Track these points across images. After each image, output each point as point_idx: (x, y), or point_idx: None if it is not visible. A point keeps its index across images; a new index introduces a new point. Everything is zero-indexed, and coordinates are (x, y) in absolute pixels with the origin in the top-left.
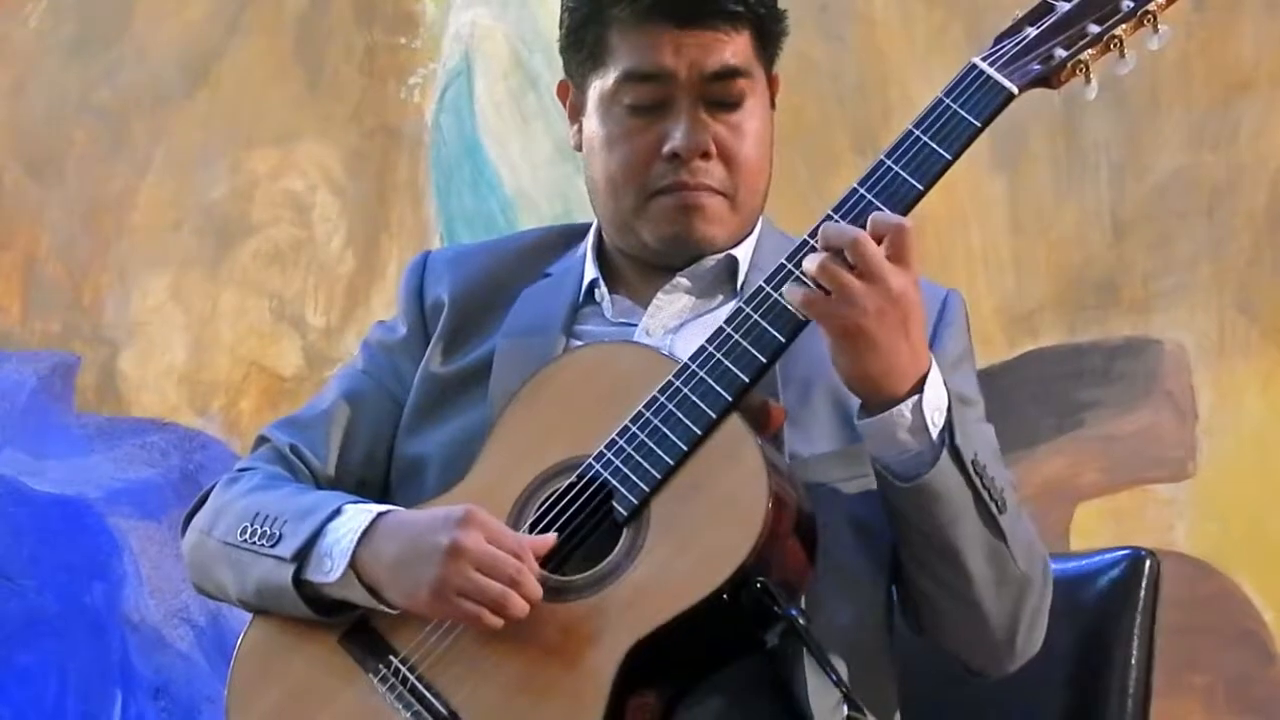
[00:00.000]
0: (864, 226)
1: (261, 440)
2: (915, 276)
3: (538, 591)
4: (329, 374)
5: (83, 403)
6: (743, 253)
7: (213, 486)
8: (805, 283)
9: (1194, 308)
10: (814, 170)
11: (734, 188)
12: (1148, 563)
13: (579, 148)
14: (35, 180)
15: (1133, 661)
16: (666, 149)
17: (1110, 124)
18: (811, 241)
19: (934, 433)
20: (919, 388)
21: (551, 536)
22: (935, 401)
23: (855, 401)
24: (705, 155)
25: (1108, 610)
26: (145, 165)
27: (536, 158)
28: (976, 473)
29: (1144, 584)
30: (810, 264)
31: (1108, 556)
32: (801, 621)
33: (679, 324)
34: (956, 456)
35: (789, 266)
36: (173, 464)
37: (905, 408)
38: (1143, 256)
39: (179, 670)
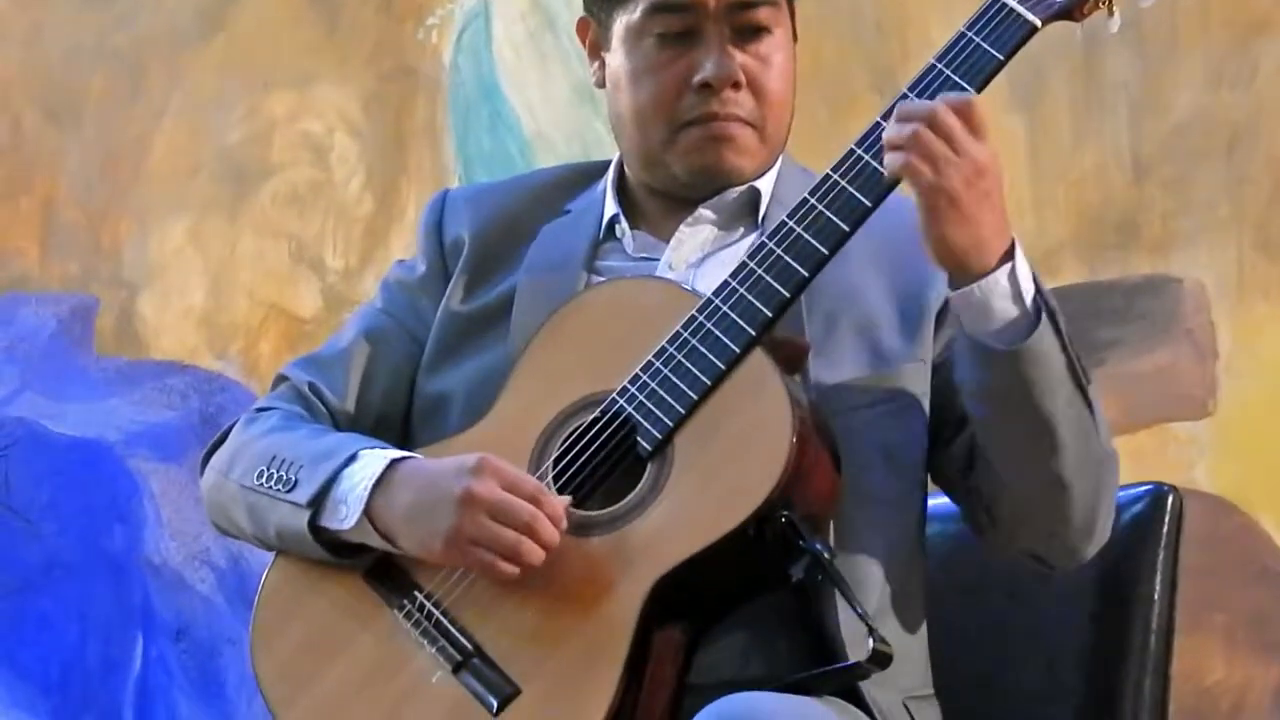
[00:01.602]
0: None
1: (281, 379)
2: (995, 152)
3: (554, 536)
4: (348, 316)
5: (102, 346)
6: (765, 185)
7: (232, 425)
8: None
9: (1213, 247)
10: (832, 110)
11: (762, 119)
12: (1170, 498)
13: (601, 84)
14: (53, 125)
15: (1155, 596)
16: (697, 79)
17: (1129, 64)
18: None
19: (1028, 300)
20: (1009, 256)
21: (567, 498)
22: (1025, 270)
23: (881, 331)
24: (735, 85)
25: (1131, 545)
26: (163, 109)
27: (554, 99)
28: (1070, 341)
29: (1167, 519)
30: (901, 131)
31: (1131, 492)
32: (826, 555)
33: (701, 257)
34: (1054, 320)
35: (811, 200)
36: (192, 406)
37: (1001, 275)
38: (1162, 196)
39: (200, 613)
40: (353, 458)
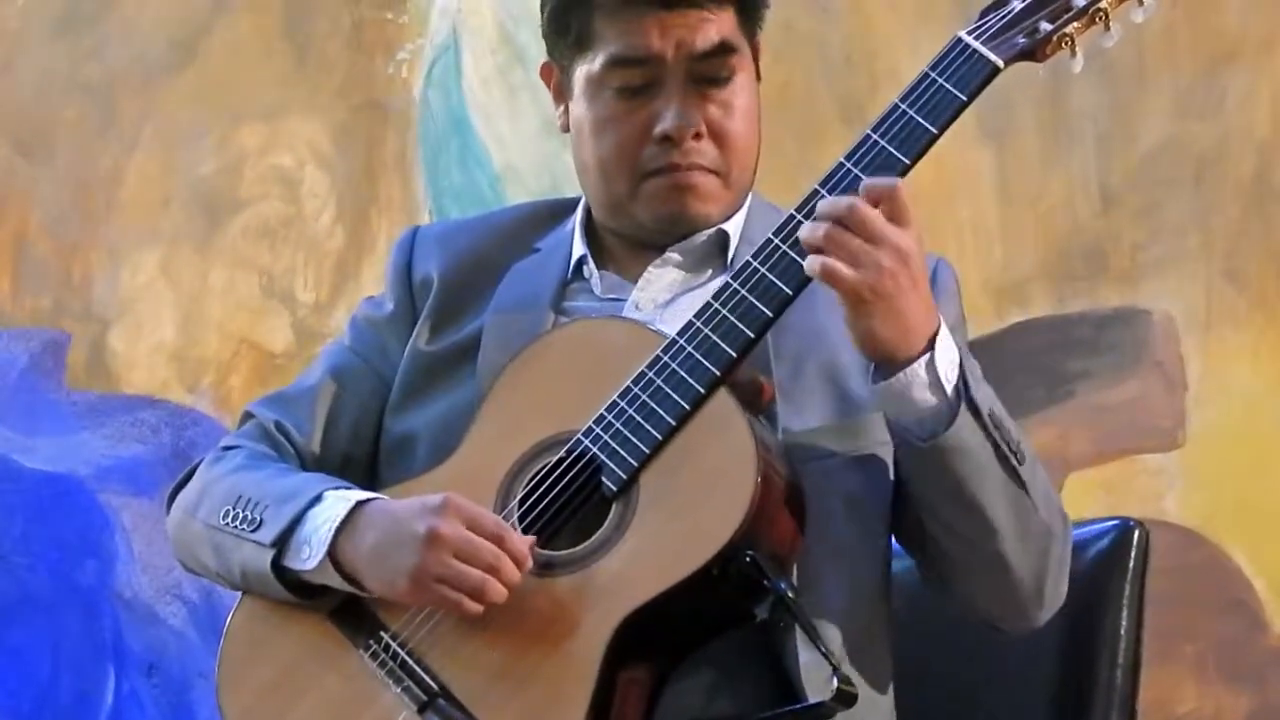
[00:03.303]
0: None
1: (247, 416)
2: (918, 234)
3: (516, 575)
4: (319, 350)
5: (73, 380)
6: (733, 227)
7: (197, 464)
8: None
9: (1182, 277)
10: (801, 142)
11: (726, 166)
12: (1136, 533)
13: (566, 129)
14: (24, 158)
15: (1122, 631)
16: (658, 131)
17: (1097, 94)
18: (798, 216)
19: (949, 388)
20: (931, 345)
21: (531, 538)
22: (948, 357)
23: (848, 377)
24: (697, 135)
25: (1097, 580)
26: (134, 142)
27: (524, 133)
28: (995, 425)
29: (1133, 554)
30: (815, 233)
31: (1097, 527)
32: (790, 594)
33: (669, 298)
34: (974, 409)
35: (775, 241)
36: (164, 440)
37: (919, 366)
38: (1131, 226)
39: (172, 647)
40: (317, 499)
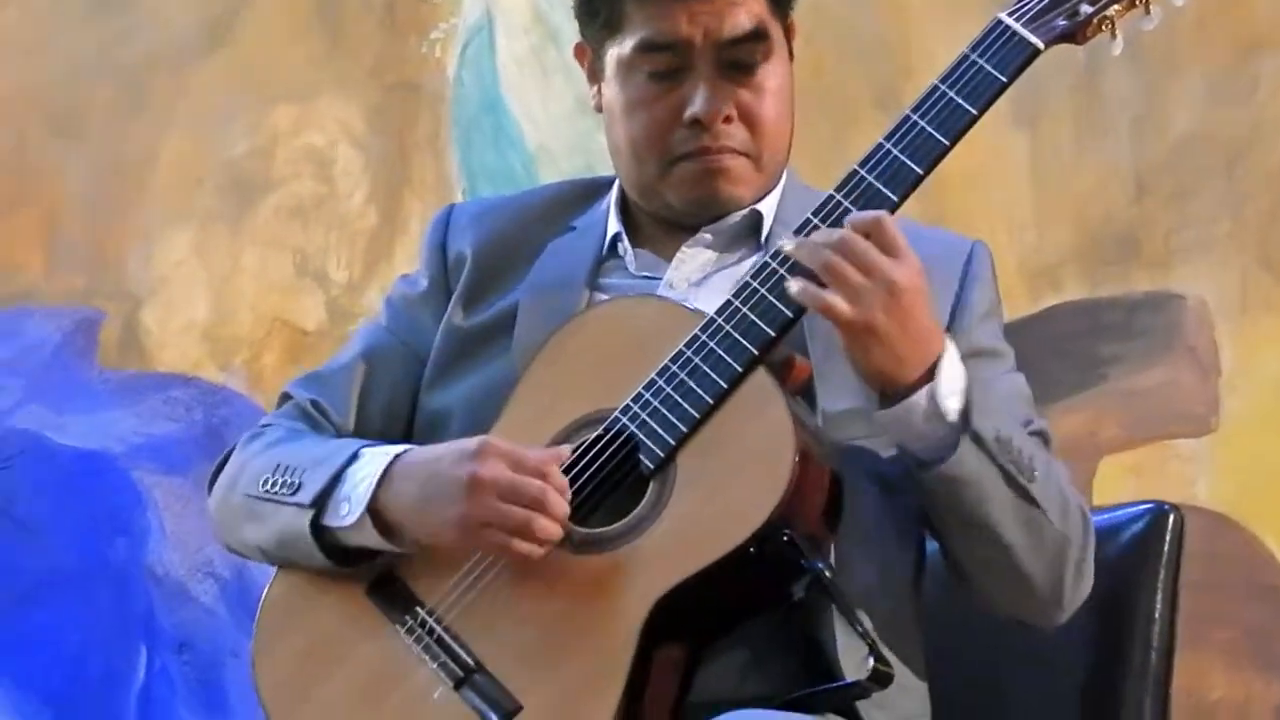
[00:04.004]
0: (895, 182)
1: (285, 397)
2: (914, 263)
3: (564, 510)
4: (352, 328)
5: (106, 358)
6: (767, 207)
7: (234, 446)
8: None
9: (1215, 263)
10: (834, 124)
11: (757, 148)
12: (1171, 517)
13: (600, 109)
14: (57, 138)
15: (1156, 615)
16: (687, 115)
17: (1130, 81)
18: (837, 196)
19: (951, 417)
20: (933, 373)
21: (566, 447)
22: (951, 385)
23: None
24: (727, 119)
25: (1131, 564)
26: (166, 122)
27: (558, 112)
28: (1002, 449)
29: (1167, 538)
30: (812, 261)
31: (1131, 510)
32: (828, 574)
33: (703, 277)
34: (977, 440)
35: (815, 221)
36: (196, 419)
37: (920, 396)
38: (1163, 212)
39: (203, 625)
40: (354, 456)
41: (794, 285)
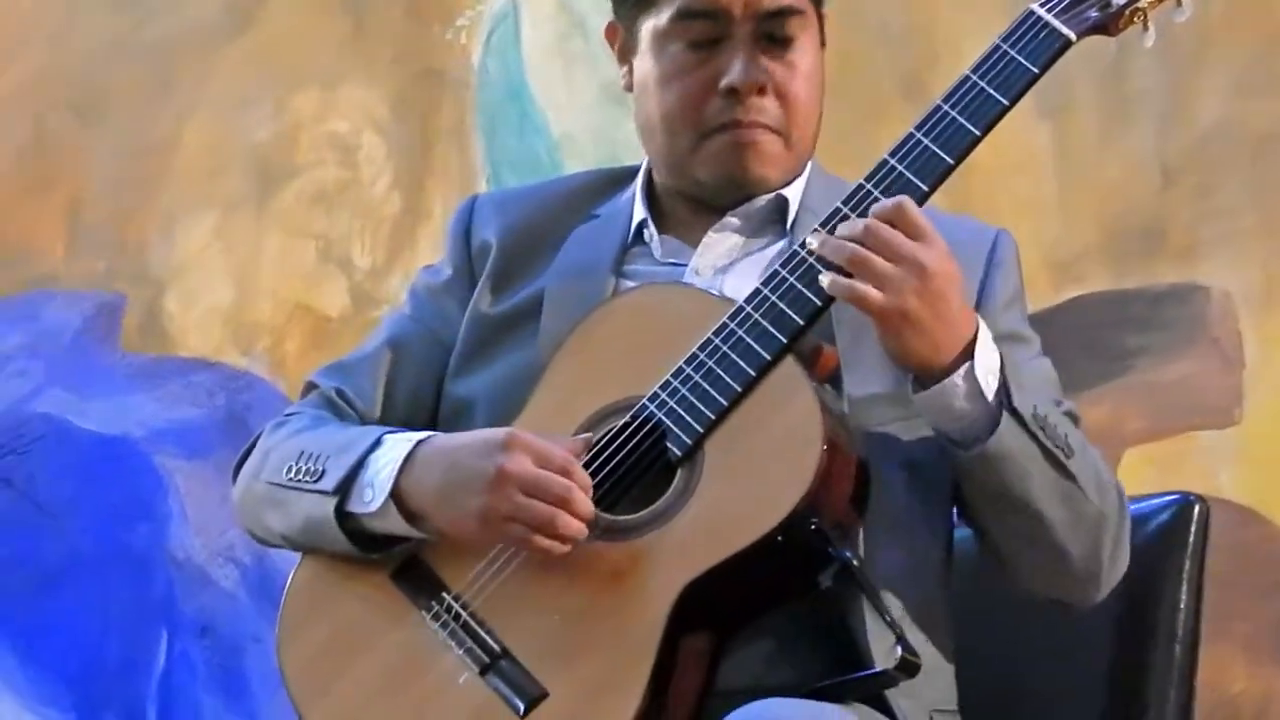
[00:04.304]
0: (925, 172)
1: (310, 386)
2: (941, 246)
3: (589, 508)
4: (375, 315)
5: (128, 343)
6: (793, 193)
7: (260, 435)
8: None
9: (1240, 256)
10: (860, 115)
11: (788, 126)
12: (1197, 507)
13: (629, 89)
14: (80, 122)
15: (1181, 606)
16: (723, 84)
17: (1156, 72)
18: (867, 186)
19: (989, 396)
20: (969, 353)
21: (588, 435)
22: (987, 364)
23: None
24: (761, 91)
25: (1157, 555)
26: (190, 108)
27: (582, 101)
28: (1039, 426)
29: (1193, 528)
30: (841, 253)
31: (1157, 501)
32: (855, 563)
33: (728, 263)
34: (1016, 416)
35: (844, 210)
36: (218, 404)
37: (958, 377)
38: (1188, 204)
39: (224, 610)
40: (377, 443)
41: (825, 278)
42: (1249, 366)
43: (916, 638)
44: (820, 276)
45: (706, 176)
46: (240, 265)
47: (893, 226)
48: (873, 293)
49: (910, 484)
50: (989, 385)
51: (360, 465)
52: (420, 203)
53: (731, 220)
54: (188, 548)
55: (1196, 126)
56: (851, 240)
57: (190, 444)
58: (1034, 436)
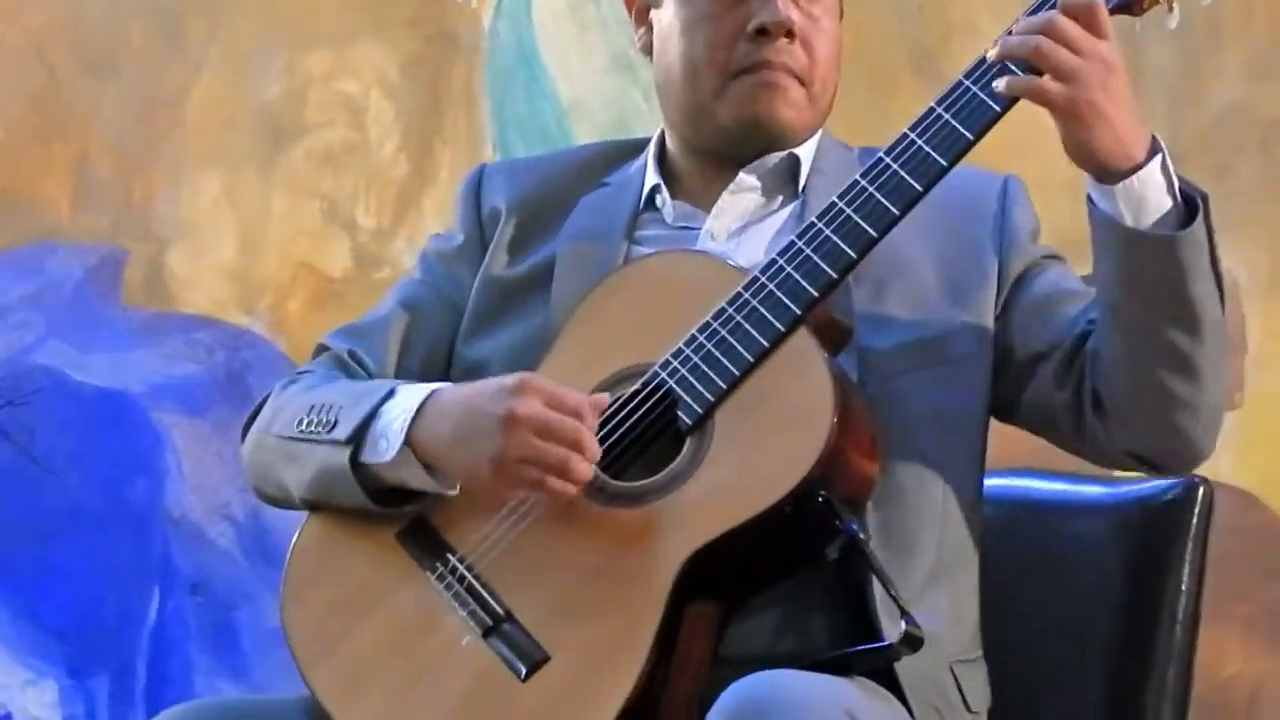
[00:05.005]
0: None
1: (321, 349)
2: (1117, 47)
3: (597, 451)
4: (378, 276)
5: (130, 298)
6: (805, 153)
7: (269, 394)
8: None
9: (1248, 240)
10: (872, 90)
11: (811, 77)
12: (1201, 489)
13: (647, 49)
14: (90, 76)
15: (1183, 587)
16: (753, 25)
17: (1169, 54)
18: (886, 159)
19: (1177, 190)
20: (1156, 147)
21: (605, 396)
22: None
23: (930, 299)
24: (790, 35)
25: (1161, 534)
26: (200, 63)
27: (592, 67)
28: (1210, 234)
29: (1196, 510)
30: (1025, 45)
31: (1162, 482)
32: (862, 536)
33: (742, 226)
34: (1207, 210)
35: (863, 183)
36: (218, 361)
37: (1155, 167)
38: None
39: (218, 567)
40: (390, 394)
41: (1000, 82)
42: (1251, 351)
43: (941, 587)
44: (996, 82)
45: (729, 120)
46: (245, 223)
47: (1076, 21)
48: (1055, 86)
49: (937, 426)
50: (1174, 182)
51: (373, 415)
52: (427, 165)
53: (746, 179)
54: (183, 505)
55: (1208, 110)
56: (1037, 29)
57: (189, 401)
58: (1210, 238)
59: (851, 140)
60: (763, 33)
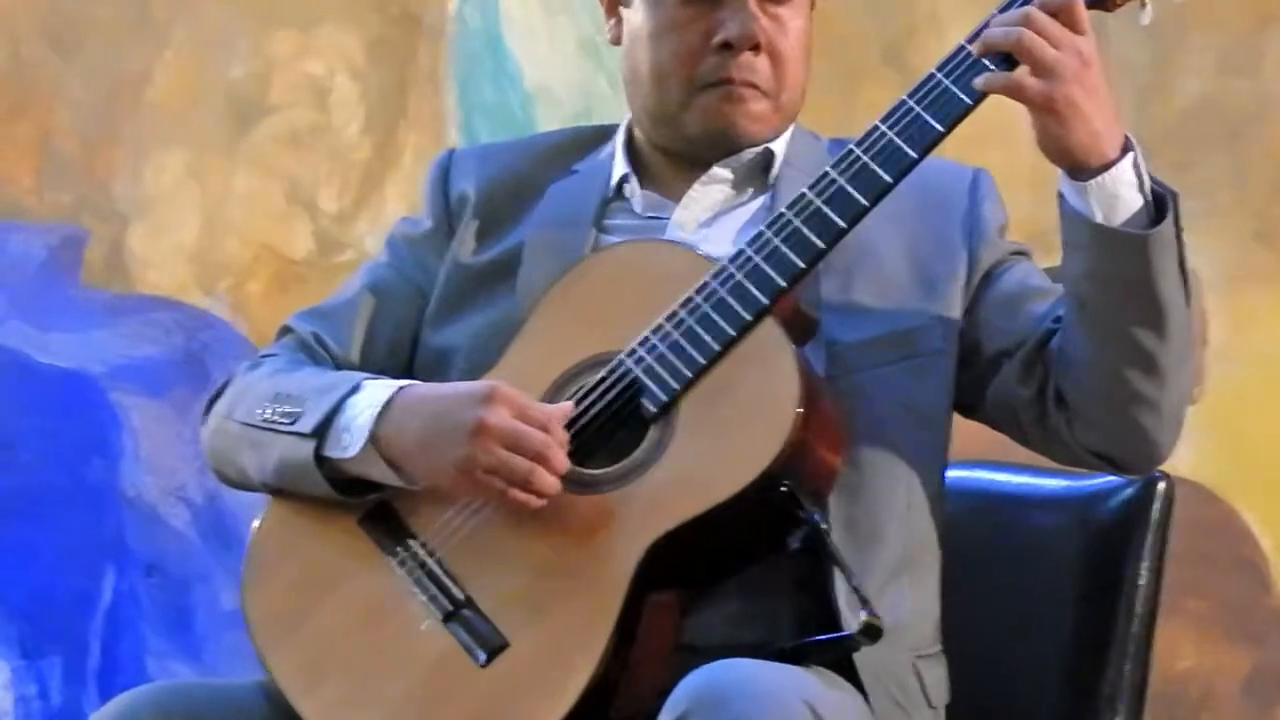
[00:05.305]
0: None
1: (285, 330)
2: (1093, 41)
3: (564, 466)
4: (340, 260)
5: (90, 277)
6: (778, 148)
7: (232, 375)
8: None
9: (1212, 234)
10: (842, 81)
11: (778, 87)
12: (1161, 484)
13: (616, 41)
14: (55, 52)
15: (1142, 582)
16: (718, 39)
17: (1137, 47)
18: (857, 150)
19: (1148, 188)
20: (1129, 145)
21: (569, 404)
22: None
23: (899, 291)
24: (755, 48)
25: (1120, 530)
26: (165, 42)
27: (559, 53)
28: (1179, 234)
29: (1156, 505)
30: (1008, 38)
31: (1122, 477)
32: (824, 527)
33: (711, 217)
34: (1177, 209)
35: (832, 175)
36: (177, 342)
37: (1127, 164)
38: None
39: (173, 548)
40: (356, 388)
41: (980, 80)
42: (1212, 345)
43: (907, 579)
44: (977, 80)
45: (695, 131)
46: (207, 204)
47: (1054, 18)
48: (1032, 81)
49: (906, 419)
50: (1145, 180)
51: (337, 409)
52: (391, 149)
53: (719, 172)
54: (139, 485)
55: (1175, 104)
56: (1015, 23)
57: (147, 382)
58: (1179, 238)
59: (820, 129)
60: (728, 46)
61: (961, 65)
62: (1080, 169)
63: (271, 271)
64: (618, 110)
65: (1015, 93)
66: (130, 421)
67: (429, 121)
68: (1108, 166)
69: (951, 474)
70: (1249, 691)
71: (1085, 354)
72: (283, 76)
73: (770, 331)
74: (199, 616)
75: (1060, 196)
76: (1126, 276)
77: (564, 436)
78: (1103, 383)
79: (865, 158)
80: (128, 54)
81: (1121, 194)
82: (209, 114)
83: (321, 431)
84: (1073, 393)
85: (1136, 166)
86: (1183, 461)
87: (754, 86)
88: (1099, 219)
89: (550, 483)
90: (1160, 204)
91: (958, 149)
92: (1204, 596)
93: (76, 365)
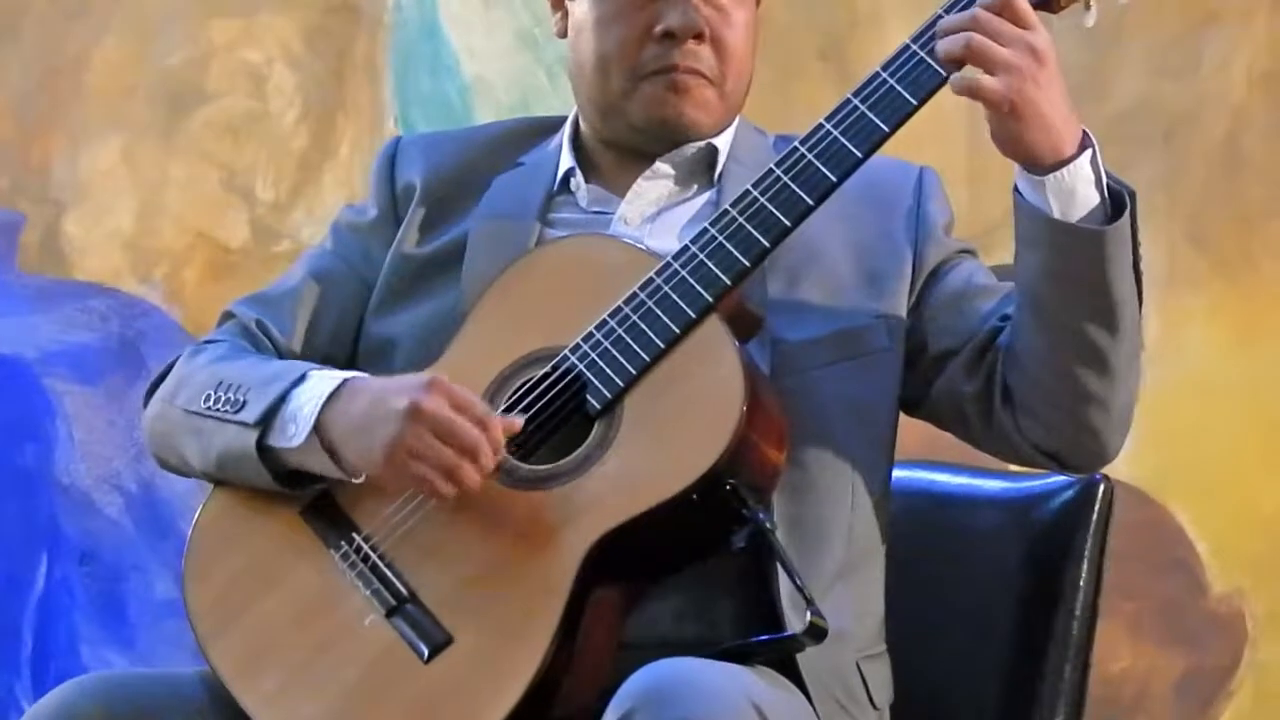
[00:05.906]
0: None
1: (227, 316)
2: (1046, 35)
3: (492, 465)
4: (275, 249)
5: (26, 263)
6: (722, 143)
7: (174, 361)
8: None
9: (1146, 236)
10: (780, 76)
11: (722, 76)
12: (1101, 487)
13: (563, 35)
14: None
15: (1081, 582)
16: (660, 28)
17: (1072, 47)
18: (801, 149)
19: (1104, 184)
20: (1086, 142)
21: (519, 420)
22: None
23: (846, 290)
24: (698, 37)
25: (1061, 531)
26: (103, 28)
27: (496, 45)
28: (1134, 230)
29: (1096, 507)
30: (956, 44)
31: (1063, 478)
32: (769, 525)
33: (656, 212)
34: (1134, 207)
35: (778, 173)
36: (112, 329)
37: (1084, 161)
38: None
39: (107, 536)
40: (302, 378)
41: (954, 81)
42: (1147, 348)
43: (853, 578)
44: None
45: (639, 120)
46: (143, 191)
47: (999, 17)
48: (988, 80)
49: (851, 419)
50: (1102, 177)
51: (283, 399)
52: (328, 138)
53: (663, 167)
54: (73, 472)
55: (1110, 105)
56: (963, 26)
57: (82, 368)
58: (1134, 236)
59: (760, 123)
60: (670, 36)
61: (907, 65)
62: (1037, 164)
63: (207, 259)
64: (555, 103)
65: (971, 92)
66: (64, 408)
67: (366, 111)
68: (1066, 162)
69: (893, 473)
70: (1183, 692)
71: (1036, 350)
72: (220, 64)
73: (714, 329)
74: (132, 605)
75: (1016, 191)
76: (1081, 272)
77: (500, 441)
78: (1053, 380)
79: (811, 156)
80: (66, 40)
81: (1079, 190)
82: (146, 100)
83: (266, 421)
84: (1022, 390)
85: (1094, 163)
86: (1116, 463)
87: (699, 74)
88: (1056, 214)
89: (474, 480)
90: (1117, 201)
91: (894, 147)
92: (1138, 598)
93: (10, 351)
